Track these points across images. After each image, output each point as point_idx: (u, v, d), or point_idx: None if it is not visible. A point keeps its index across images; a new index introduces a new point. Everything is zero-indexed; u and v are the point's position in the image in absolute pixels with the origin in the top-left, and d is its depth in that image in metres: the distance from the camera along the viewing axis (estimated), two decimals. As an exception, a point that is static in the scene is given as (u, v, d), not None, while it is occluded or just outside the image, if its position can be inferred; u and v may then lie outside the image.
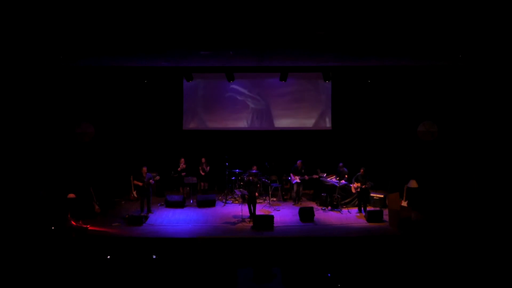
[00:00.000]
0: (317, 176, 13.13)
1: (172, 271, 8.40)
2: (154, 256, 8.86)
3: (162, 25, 7.44)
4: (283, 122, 14.53)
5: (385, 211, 11.51)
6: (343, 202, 12.50)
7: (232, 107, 14.53)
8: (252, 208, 11.35)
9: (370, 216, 11.30)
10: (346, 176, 12.60)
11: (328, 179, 13.12)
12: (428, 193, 12.53)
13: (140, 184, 11.63)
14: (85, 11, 6.58)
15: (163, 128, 14.49)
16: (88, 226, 10.63)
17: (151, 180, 11.82)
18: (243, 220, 11.32)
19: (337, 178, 12.56)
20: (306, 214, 11.31)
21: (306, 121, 14.53)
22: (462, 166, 12.92)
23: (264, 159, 13.52)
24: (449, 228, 10.59)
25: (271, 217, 10.92)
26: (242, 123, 14.59)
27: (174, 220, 11.43)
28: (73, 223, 10.48)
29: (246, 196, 11.61)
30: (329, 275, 8.02)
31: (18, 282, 7.95)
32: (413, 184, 11.85)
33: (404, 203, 11.47)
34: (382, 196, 12.37)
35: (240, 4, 6.24)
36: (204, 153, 13.96)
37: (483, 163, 12.32)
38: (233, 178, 13.32)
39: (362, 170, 11.81)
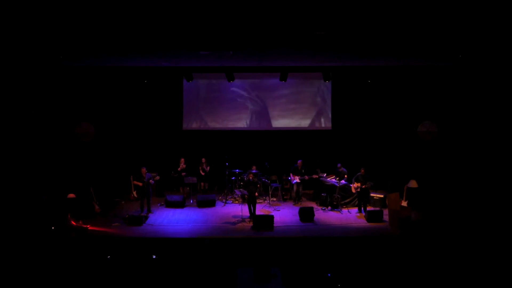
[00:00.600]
0: (317, 176, 13.14)
1: (172, 271, 8.39)
2: (154, 256, 8.86)
3: (162, 25, 7.45)
4: (282, 122, 14.57)
5: (385, 211, 11.51)
6: (343, 202, 12.50)
7: (232, 107, 14.56)
8: (252, 208, 11.35)
9: (370, 216, 11.30)
10: (345, 176, 12.61)
11: (328, 179, 13.12)
12: (428, 193, 12.54)
13: (140, 184, 11.63)
14: (85, 11, 6.58)
15: (163, 128, 14.50)
16: (88, 226, 10.64)
17: (151, 180, 11.82)
18: (243, 220, 11.33)
19: (337, 179, 12.56)
20: (306, 214, 11.31)
21: (306, 121, 14.56)
22: (462, 166, 12.92)
23: (264, 159, 13.52)
24: (449, 228, 10.59)
25: (271, 217, 10.92)
26: (242, 123, 14.61)
27: (174, 220, 11.43)
28: (73, 223, 10.48)
29: (246, 196, 11.61)
30: (329, 275, 8.02)
31: (18, 282, 7.96)
32: (413, 184, 11.84)
33: (404, 203, 11.47)
34: (382, 196, 12.37)
35: (239, 4, 6.24)
36: (204, 153, 13.98)
37: (482, 163, 12.32)
38: (233, 178, 13.33)
39: (362, 170, 11.81)
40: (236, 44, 9.05)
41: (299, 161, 12.95)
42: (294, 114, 14.56)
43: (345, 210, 12.27)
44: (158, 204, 12.66)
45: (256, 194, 11.48)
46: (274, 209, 12.28)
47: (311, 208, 11.54)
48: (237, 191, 12.57)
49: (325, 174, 13.36)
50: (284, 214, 11.93)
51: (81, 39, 8.47)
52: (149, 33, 8.00)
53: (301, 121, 14.58)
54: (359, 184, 11.82)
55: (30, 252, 9.14)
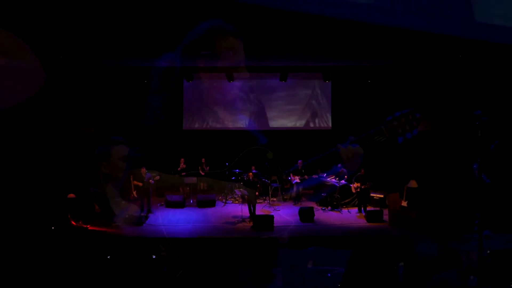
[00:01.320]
0: (317, 176, 13.12)
1: (172, 271, 8.39)
2: (154, 256, 8.86)
3: (163, 25, 7.45)
4: (282, 122, 14.61)
5: (385, 211, 11.52)
6: (343, 202, 12.50)
7: (232, 107, 14.52)
8: (252, 208, 11.35)
9: (370, 216, 11.30)
10: (346, 176, 12.61)
11: (328, 179, 13.11)
12: (428, 193, 12.52)
13: (140, 184, 11.64)
14: (85, 11, 6.58)
15: (163, 128, 14.47)
16: (88, 226, 10.61)
17: (151, 180, 11.82)
18: (243, 220, 11.33)
19: (337, 179, 12.56)
20: (306, 214, 11.31)
21: (306, 121, 14.61)
22: (462, 166, 12.90)
23: (263, 159, 13.50)
24: (449, 227, 10.58)
25: (271, 217, 10.91)
26: (241, 124, 14.58)
27: (174, 220, 11.44)
28: (73, 223, 10.47)
29: (246, 196, 11.61)
30: (329, 275, 8.02)
31: (18, 282, 7.95)
32: (413, 184, 11.84)
33: (404, 203, 11.46)
34: (382, 196, 12.37)
35: (239, 4, 6.24)
36: (204, 153, 13.98)
37: (483, 163, 12.31)
38: (233, 178, 13.33)
39: (362, 170, 11.82)
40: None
41: (299, 161, 12.93)
42: (296, 113, 14.64)
43: (345, 210, 12.28)
44: (158, 204, 12.66)
45: (256, 194, 11.48)
46: (274, 209, 12.28)
47: (311, 208, 11.53)
48: (237, 191, 12.57)
49: (325, 174, 13.35)
50: (284, 214, 11.93)
51: (81, 39, 8.47)
52: (149, 33, 8.01)
53: (304, 121, 14.68)
54: (359, 184, 11.83)
55: (30, 252, 9.13)
